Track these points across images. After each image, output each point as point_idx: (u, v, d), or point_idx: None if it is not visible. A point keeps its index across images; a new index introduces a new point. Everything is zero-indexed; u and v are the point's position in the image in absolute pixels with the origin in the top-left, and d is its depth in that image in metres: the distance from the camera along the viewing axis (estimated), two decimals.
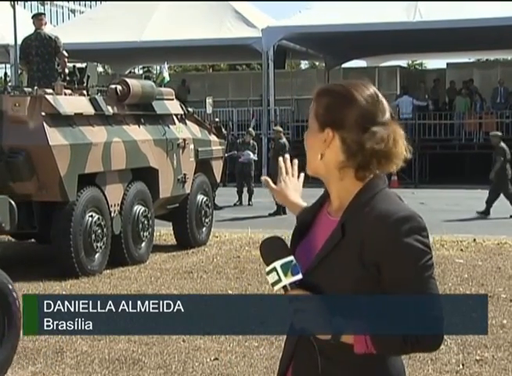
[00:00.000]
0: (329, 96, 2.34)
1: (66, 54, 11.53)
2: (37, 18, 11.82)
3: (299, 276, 2.23)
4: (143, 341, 6.87)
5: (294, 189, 2.76)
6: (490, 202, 15.89)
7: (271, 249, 2.26)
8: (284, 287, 2.23)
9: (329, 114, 2.32)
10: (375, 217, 2.26)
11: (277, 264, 2.22)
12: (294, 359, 2.40)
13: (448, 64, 31.42)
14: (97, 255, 10.12)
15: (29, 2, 28.73)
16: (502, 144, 16.40)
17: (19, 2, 23.87)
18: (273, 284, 2.24)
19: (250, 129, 20.53)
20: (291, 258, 2.24)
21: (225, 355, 6.48)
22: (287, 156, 2.84)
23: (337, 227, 2.31)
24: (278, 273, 2.22)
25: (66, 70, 11.35)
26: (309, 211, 2.51)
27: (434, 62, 43.27)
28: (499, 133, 17.42)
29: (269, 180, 2.82)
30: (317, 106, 2.34)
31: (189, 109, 12.59)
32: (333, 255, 2.28)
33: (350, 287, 2.24)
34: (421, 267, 2.24)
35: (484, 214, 15.91)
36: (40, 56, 11.42)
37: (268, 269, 2.24)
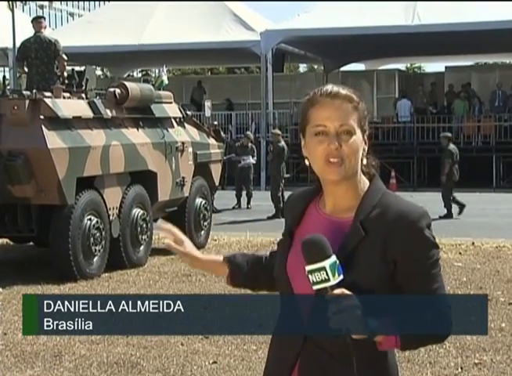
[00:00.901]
0: (363, 103, 2.44)
1: (65, 57, 11.52)
2: (37, 21, 11.83)
3: (342, 276, 2.25)
4: (142, 345, 6.86)
5: (195, 248, 2.74)
6: (448, 204, 16.72)
7: (316, 248, 2.26)
8: (325, 288, 2.23)
9: (366, 120, 2.45)
10: (394, 216, 2.36)
11: (326, 263, 2.23)
12: (301, 362, 2.39)
13: (446, 67, 31.44)
14: (95, 259, 10.11)
15: (27, 6, 28.78)
16: (451, 146, 16.76)
17: (17, 5, 23.89)
18: (318, 283, 2.23)
19: (248, 132, 20.52)
20: (335, 257, 2.26)
21: (224, 358, 6.47)
22: (161, 221, 2.82)
23: (354, 226, 2.37)
24: (327, 273, 2.22)
25: (65, 74, 11.35)
26: (292, 219, 2.54)
27: (433, 65, 43.38)
28: (449, 134, 17.83)
29: (172, 244, 2.69)
30: (359, 114, 2.42)
31: (188, 112, 12.60)
32: (357, 254, 2.35)
33: (373, 284, 2.33)
34: (436, 261, 2.39)
35: (460, 213, 16.48)
36: (39, 59, 11.41)
37: (313, 267, 2.23)
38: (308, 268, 2.24)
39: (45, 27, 11.97)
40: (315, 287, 2.24)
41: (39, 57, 11.42)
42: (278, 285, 2.51)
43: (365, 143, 2.45)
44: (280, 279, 2.48)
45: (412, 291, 2.36)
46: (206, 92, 29.47)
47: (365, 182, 2.46)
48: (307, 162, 2.47)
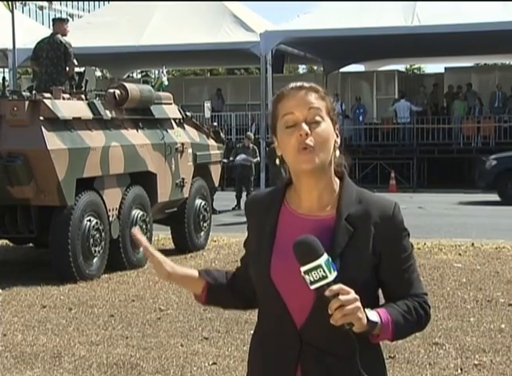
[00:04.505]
0: (330, 96, 2.47)
1: (76, 63, 11.59)
2: (57, 23, 11.92)
3: (336, 272, 2.26)
4: (141, 346, 6.87)
5: (168, 260, 2.67)
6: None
7: (309, 248, 2.25)
8: (323, 285, 2.24)
9: (335, 112, 2.46)
10: (376, 210, 2.42)
11: (321, 261, 2.23)
12: (302, 366, 2.38)
13: (446, 68, 31.47)
14: (95, 260, 10.11)
15: (27, 7, 28.74)
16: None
17: (16, 6, 23.88)
18: (316, 282, 2.23)
19: (249, 133, 20.50)
20: (327, 254, 2.26)
21: (224, 359, 6.47)
22: (137, 228, 2.71)
23: (340, 224, 2.39)
24: (324, 270, 2.23)
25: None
26: (264, 218, 2.50)
27: (433, 66, 43.47)
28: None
29: (149, 247, 2.61)
30: (327, 104, 2.44)
31: (188, 113, 12.59)
32: (347, 251, 2.37)
33: (365, 279, 2.38)
34: (412, 250, 2.50)
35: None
36: (49, 59, 11.48)
37: (309, 267, 2.23)
38: (304, 268, 2.23)
39: (66, 30, 11.92)
40: (313, 287, 2.23)
41: (49, 57, 11.48)
42: (259, 291, 2.47)
43: (337, 136, 2.45)
44: (263, 285, 2.44)
45: (395, 281, 2.43)
46: (224, 100, 29.37)
47: (336, 180, 2.47)
48: (277, 162, 2.47)
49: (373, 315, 2.29)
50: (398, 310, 2.36)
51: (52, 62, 11.47)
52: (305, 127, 2.36)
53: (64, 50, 11.54)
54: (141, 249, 9.79)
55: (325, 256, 2.24)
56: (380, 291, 2.49)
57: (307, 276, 2.23)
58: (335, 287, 2.21)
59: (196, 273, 2.63)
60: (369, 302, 2.33)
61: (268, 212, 2.49)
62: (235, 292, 2.63)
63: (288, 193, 2.50)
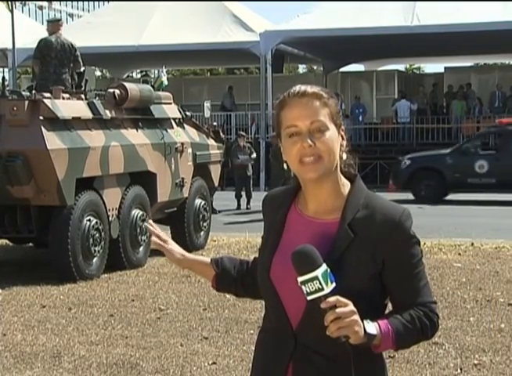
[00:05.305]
0: (334, 98, 2.42)
1: (81, 63, 11.62)
2: (57, 23, 11.93)
3: (334, 284, 2.22)
4: (141, 346, 6.86)
5: (180, 248, 2.73)
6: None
7: (306, 259, 2.23)
8: (319, 297, 2.21)
9: (339, 115, 2.42)
10: (381, 217, 2.37)
11: (318, 273, 2.20)
12: (294, 366, 2.38)
13: (445, 68, 31.48)
14: (95, 259, 10.11)
15: (26, 7, 28.76)
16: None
17: (16, 6, 23.91)
18: (312, 293, 2.20)
19: (240, 132, 20.47)
20: (325, 266, 2.23)
21: (223, 359, 6.47)
22: (150, 221, 2.74)
23: (342, 228, 2.36)
24: (320, 282, 2.19)
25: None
26: (273, 217, 2.51)
27: (432, 66, 43.49)
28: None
29: (157, 240, 2.69)
30: (331, 109, 2.39)
31: (187, 113, 12.58)
32: (347, 256, 2.33)
33: (365, 285, 2.33)
34: (421, 258, 2.43)
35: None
36: (58, 60, 11.45)
37: (305, 278, 2.20)
38: (301, 279, 2.21)
39: (60, 29, 12.09)
40: (309, 298, 2.21)
41: (59, 58, 11.45)
42: (261, 288, 2.49)
43: (343, 139, 2.42)
44: (263, 283, 2.46)
45: (401, 289, 2.38)
46: (234, 98, 29.53)
47: (346, 183, 2.44)
48: (285, 166, 2.46)
49: (371, 327, 2.24)
50: (399, 320, 2.32)
51: (62, 62, 11.44)
52: (308, 140, 2.33)
53: (75, 53, 11.56)
54: (140, 249, 9.74)
55: (323, 267, 2.21)
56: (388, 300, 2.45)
57: (303, 287, 2.21)
58: (331, 298, 2.18)
59: (208, 261, 2.69)
60: (371, 312, 2.28)
61: (278, 211, 2.50)
62: (245, 285, 2.67)
63: (299, 194, 2.50)
